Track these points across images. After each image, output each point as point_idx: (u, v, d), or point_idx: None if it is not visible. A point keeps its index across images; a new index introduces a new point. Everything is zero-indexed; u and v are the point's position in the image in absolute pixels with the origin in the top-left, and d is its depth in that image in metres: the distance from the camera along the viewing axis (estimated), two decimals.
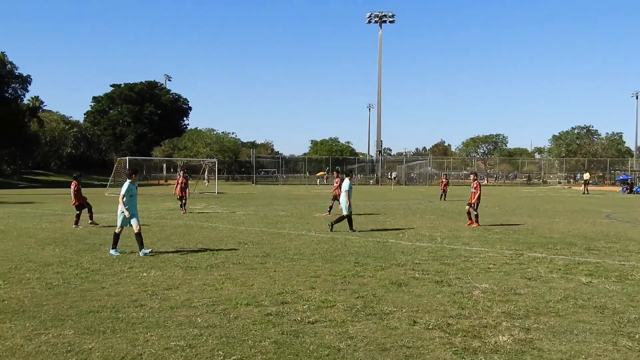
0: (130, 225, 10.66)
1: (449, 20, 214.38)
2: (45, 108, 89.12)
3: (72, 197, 16.37)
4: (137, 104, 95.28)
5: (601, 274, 8.82)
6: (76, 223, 15.61)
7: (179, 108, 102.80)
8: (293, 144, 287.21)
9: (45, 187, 52.45)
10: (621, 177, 57.74)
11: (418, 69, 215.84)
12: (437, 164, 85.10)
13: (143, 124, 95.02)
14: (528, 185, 70.35)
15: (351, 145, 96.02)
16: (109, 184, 40.25)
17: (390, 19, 76.94)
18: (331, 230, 14.57)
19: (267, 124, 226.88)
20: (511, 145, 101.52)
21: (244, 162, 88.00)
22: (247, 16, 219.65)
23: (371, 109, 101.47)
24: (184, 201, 21.31)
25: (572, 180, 73.99)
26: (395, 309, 6.55)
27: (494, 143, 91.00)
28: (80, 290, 7.49)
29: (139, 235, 10.61)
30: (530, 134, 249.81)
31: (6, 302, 6.86)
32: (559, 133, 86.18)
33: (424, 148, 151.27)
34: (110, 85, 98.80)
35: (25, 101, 76.81)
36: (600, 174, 74.16)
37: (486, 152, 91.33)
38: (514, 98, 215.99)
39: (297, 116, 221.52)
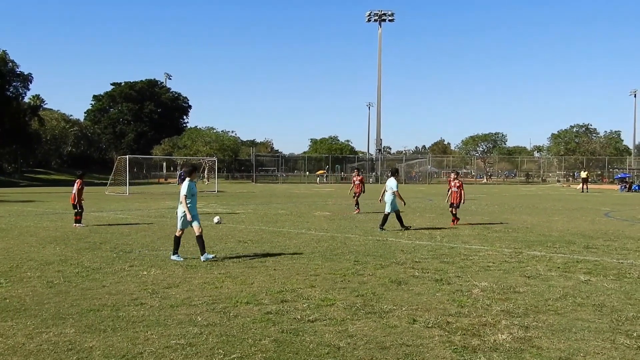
0: (192, 227, 9.83)
1: (448, 19, 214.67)
2: (46, 106, 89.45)
3: (75, 196, 16.26)
4: (137, 103, 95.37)
5: (599, 272, 8.85)
6: (78, 221, 15.62)
7: (178, 106, 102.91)
8: (293, 143, 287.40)
9: (46, 186, 52.48)
10: (619, 175, 57.77)
11: (417, 67, 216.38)
12: (437, 163, 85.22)
13: (143, 123, 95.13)
14: (527, 184, 70.37)
15: (351, 144, 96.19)
16: (109, 182, 40.30)
17: (390, 18, 76.98)
18: (382, 230, 14.44)
19: (267, 122, 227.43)
20: (510, 143, 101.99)
21: (244, 161, 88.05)
22: (247, 15, 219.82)
23: (371, 107, 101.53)
24: None
25: (570, 178, 74.06)
26: (394, 308, 6.57)
27: (494, 141, 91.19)
28: (81, 289, 7.51)
29: (200, 239, 9.77)
30: (529, 132, 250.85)
31: (7, 300, 6.88)
32: (558, 131, 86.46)
33: (424, 146, 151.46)
34: (111, 84, 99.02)
35: (26, 100, 77.00)
36: (599, 172, 74.21)
37: (485, 150, 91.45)
38: (513, 96, 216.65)
39: (297, 115, 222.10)
